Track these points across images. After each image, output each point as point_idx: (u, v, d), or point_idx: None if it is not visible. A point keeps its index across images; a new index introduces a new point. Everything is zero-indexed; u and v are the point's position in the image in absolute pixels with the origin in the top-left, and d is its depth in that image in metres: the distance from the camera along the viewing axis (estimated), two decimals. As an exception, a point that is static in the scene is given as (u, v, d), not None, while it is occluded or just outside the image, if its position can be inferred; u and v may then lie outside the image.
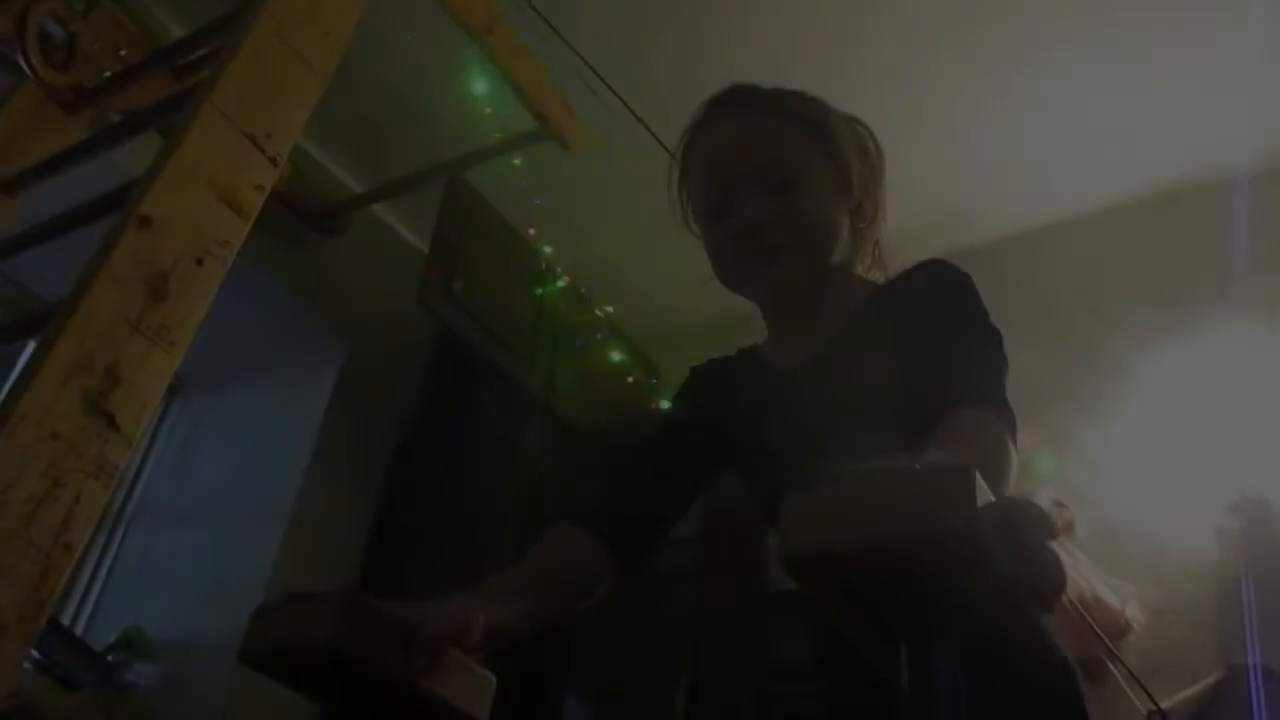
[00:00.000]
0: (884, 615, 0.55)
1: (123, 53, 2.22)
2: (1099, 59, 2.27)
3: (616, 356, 2.75)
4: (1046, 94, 2.36)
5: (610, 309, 2.87)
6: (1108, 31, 2.20)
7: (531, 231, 2.78)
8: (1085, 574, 1.96)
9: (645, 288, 2.90)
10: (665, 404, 2.65)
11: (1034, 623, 0.91)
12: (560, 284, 2.79)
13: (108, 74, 2.14)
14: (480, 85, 2.41)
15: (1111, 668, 1.57)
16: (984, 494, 0.50)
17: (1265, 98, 2.24)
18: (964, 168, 2.56)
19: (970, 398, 0.86)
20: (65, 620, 2.46)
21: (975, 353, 0.96)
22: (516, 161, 2.47)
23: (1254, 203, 2.26)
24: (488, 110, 2.43)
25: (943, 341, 0.97)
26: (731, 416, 1.15)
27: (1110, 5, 2.15)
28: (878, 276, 1.16)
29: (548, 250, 2.80)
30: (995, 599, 0.51)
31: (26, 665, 1.97)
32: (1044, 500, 2.05)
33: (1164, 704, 1.58)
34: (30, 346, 1.25)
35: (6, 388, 1.10)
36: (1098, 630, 1.67)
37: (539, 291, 2.74)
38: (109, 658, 2.35)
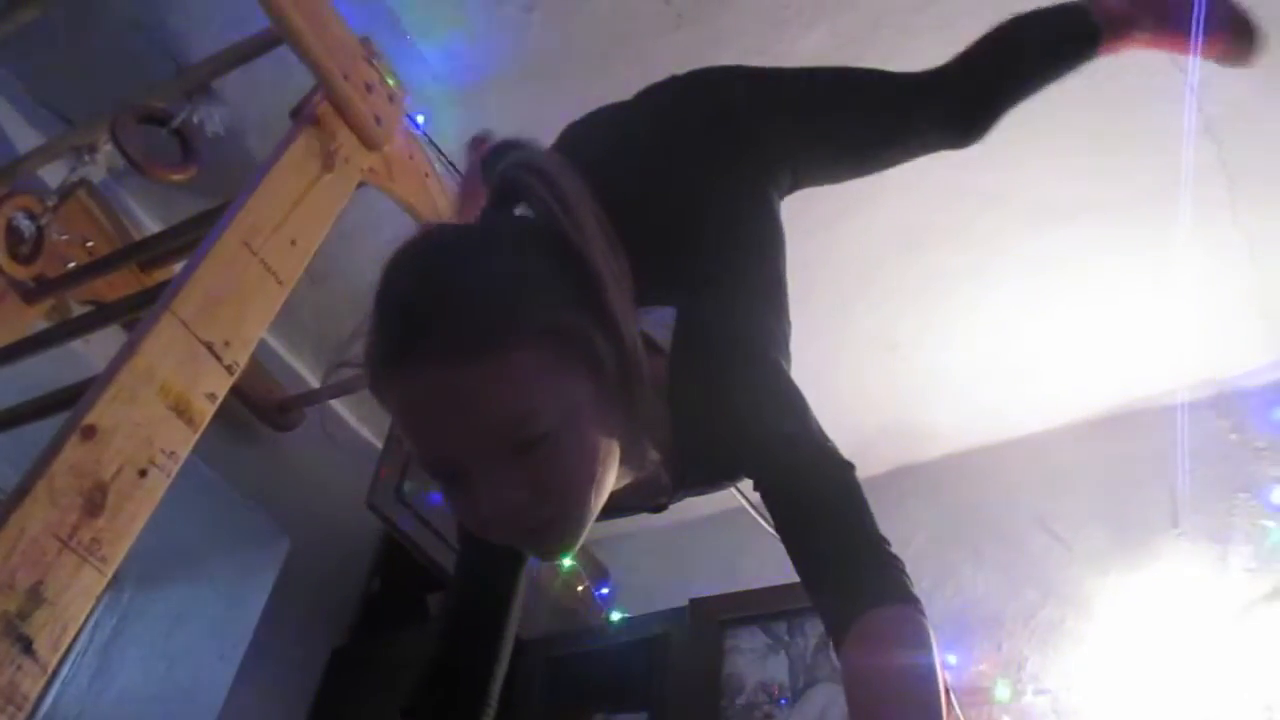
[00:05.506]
0: None
1: (90, 244, 2.24)
2: (1051, 286, 2.35)
3: (566, 562, 2.68)
4: (1000, 316, 2.43)
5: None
6: (1059, 260, 2.30)
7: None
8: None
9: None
10: (617, 615, 2.59)
11: None
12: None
13: (73, 265, 2.15)
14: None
15: None
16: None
17: (1202, 329, 2.34)
18: (922, 384, 2.60)
19: (864, 598, 0.78)
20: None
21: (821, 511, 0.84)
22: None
23: (1196, 431, 2.32)
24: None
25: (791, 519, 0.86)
26: None
27: (1063, 237, 2.25)
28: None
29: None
30: None
31: None
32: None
33: None
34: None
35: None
36: None
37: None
38: None
